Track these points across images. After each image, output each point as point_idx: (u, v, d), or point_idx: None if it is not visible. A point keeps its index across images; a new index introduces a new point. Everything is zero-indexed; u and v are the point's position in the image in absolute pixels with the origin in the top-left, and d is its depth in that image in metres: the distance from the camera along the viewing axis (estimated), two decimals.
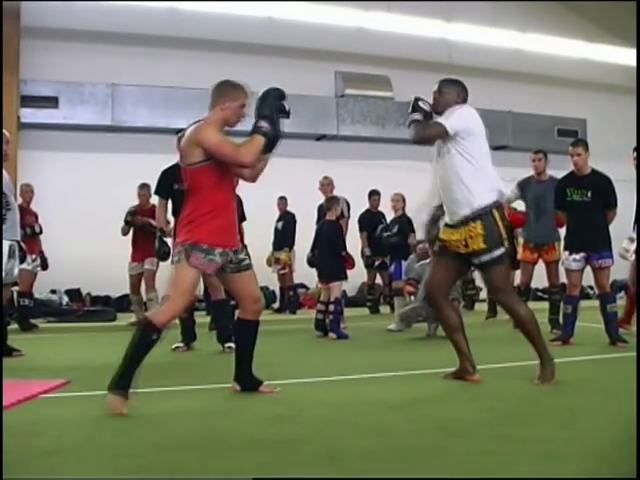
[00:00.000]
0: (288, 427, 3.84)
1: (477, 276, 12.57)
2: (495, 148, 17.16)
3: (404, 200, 10.63)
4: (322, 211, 9.89)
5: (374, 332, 9.41)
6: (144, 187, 10.25)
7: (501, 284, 5.10)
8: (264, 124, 4.50)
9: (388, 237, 10.55)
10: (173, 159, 6.49)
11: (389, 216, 11.53)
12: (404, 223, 10.54)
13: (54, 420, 4.04)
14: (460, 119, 5.07)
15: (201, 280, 7.46)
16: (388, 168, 14.49)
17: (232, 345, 7.13)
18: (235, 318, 4.97)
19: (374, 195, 12.28)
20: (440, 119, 5.13)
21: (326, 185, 10.40)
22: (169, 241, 7.62)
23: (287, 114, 4.63)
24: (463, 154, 5.03)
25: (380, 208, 12.28)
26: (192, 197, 4.52)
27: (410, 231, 10.43)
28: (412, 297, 9.41)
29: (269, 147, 4.56)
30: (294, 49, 15.17)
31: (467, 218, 5.03)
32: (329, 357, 7.04)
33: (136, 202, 10.51)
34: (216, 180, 4.46)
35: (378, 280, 12.61)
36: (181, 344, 7.44)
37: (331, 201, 9.20)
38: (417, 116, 5.17)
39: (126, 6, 13.46)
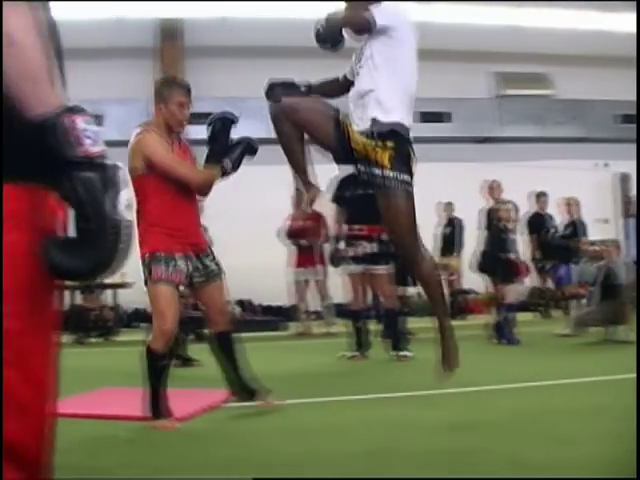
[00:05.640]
0: (468, 436, 3.79)
1: None
2: None
3: (577, 204, 10.32)
4: (489, 216, 9.70)
5: (547, 337, 9.18)
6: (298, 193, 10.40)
7: None
8: (229, 165, 4.43)
9: (553, 238, 10.29)
10: (334, 169, 6.46)
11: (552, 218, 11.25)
12: (570, 227, 10.27)
13: (235, 429, 4.15)
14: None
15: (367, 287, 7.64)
16: (550, 168, 14.10)
17: (407, 353, 7.16)
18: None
19: (542, 197, 11.94)
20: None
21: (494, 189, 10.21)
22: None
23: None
24: None
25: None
26: (142, 207, 4.31)
27: (582, 235, 10.15)
28: (586, 301, 9.15)
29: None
30: (447, 52, 15.01)
31: None
32: (502, 363, 6.92)
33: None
34: (163, 186, 4.28)
35: (549, 284, 12.29)
36: (357, 353, 7.49)
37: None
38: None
39: (284, 20, 13.70)
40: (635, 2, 12.61)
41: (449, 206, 12.74)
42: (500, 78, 15.68)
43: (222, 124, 4.49)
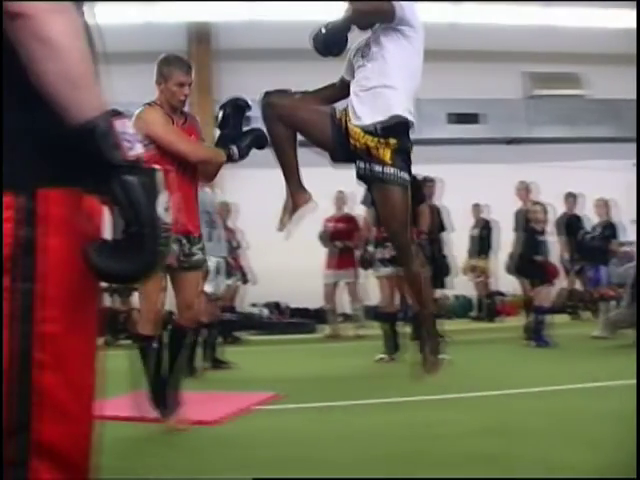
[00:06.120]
0: (499, 440, 3.77)
1: None
2: None
3: (612, 205, 10.24)
4: (523, 218, 9.63)
5: (577, 339, 9.10)
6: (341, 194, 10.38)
7: None
8: (236, 152, 4.31)
9: (592, 239, 10.20)
10: None
11: (586, 219, 11.17)
12: (608, 228, 10.18)
13: (271, 432, 4.15)
14: None
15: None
16: (583, 169, 13.98)
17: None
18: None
19: (571, 197, 11.86)
20: None
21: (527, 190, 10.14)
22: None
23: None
24: None
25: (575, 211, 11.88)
26: None
27: (612, 236, 10.05)
28: (616, 302, 9.06)
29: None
30: (478, 52, 14.93)
31: None
32: (533, 366, 6.86)
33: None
34: (161, 164, 4.09)
35: (578, 285, 12.19)
36: (384, 355, 7.48)
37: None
38: None
39: (314, 22, 13.70)
40: (635, 1, 12.52)
41: (482, 208, 12.69)
42: (532, 78, 15.57)
43: (233, 109, 4.39)
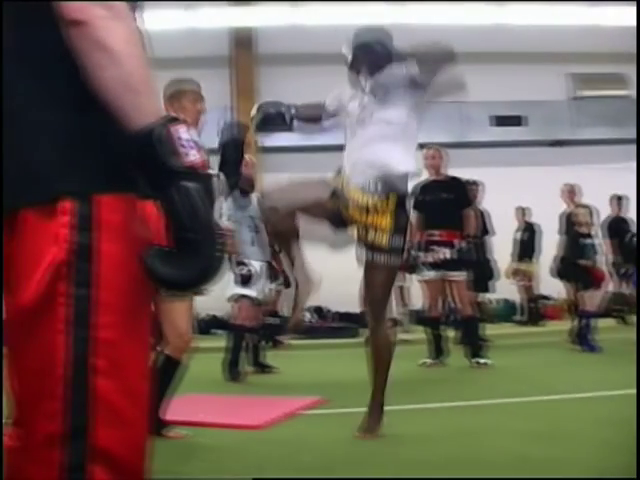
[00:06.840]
0: (549, 445, 3.73)
1: None
2: None
3: None
4: (567, 220, 9.53)
5: (627, 344, 8.95)
6: None
7: None
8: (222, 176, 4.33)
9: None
10: None
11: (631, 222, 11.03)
12: None
13: (317, 437, 4.15)
14: None
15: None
16: (630, 171, 13.77)
17: (486, 361, 7.07)
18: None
19: (617, 200, 11.71)
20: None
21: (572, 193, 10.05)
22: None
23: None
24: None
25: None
26: None
27: None
28: None
29: None
30: (521, 54, 14.82)
31: None
32: (579, 371, 6.79)
33: None
34: None
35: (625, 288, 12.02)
36: (437, 360, 7.44)
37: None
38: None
39: (356, 27, 13.71)
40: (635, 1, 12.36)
41: (526, 211, 12.57)
42: (576, 79, 15.42)
43: (231, 149, 4.43)
